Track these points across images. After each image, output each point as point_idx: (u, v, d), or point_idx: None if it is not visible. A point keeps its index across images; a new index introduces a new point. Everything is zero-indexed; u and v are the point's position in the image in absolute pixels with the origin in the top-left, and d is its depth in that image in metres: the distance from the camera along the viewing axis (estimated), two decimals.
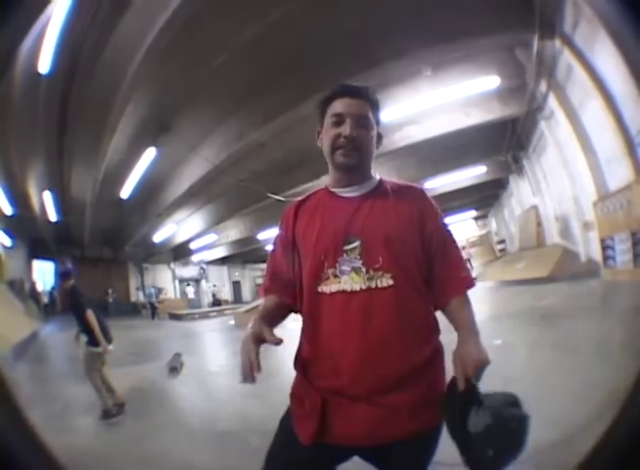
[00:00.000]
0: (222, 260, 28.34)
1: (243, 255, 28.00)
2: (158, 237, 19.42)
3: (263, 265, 24.32)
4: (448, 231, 1.48)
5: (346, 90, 1.43)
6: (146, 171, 12.18)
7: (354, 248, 1.31)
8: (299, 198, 1.58)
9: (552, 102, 9.46)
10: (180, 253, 23.61)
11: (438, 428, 1.29)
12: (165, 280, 24.79)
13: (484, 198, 24.41)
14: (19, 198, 12.49)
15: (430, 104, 10.57)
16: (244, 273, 32.65)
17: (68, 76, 8.08)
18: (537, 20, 7.56)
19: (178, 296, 25.14)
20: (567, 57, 7.83)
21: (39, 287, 18.49)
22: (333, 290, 1.31)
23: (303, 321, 1.42)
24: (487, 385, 1.19)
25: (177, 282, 25.76)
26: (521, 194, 18.32)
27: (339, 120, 1.39)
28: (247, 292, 31.93)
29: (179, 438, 4.01)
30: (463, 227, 33.19)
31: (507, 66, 9.83)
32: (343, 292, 1.29)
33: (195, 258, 25.37)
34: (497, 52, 9.56)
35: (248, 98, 9.79)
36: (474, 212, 29.58)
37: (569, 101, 8.95)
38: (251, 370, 1.22)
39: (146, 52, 7.19)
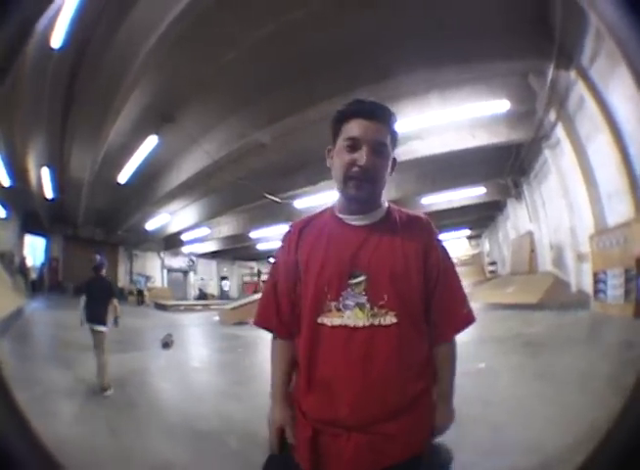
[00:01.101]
0: (212, 255, 28.23)
1: (233, 251, 28.08)
2: (150, 225, 19.25)
3: (252, 263, 24.85)
4: (450, 265, 1.46)
5: (364, 110, 1.35)
6: (145, 159, 12.17)
7: (360, 283, 1.30)
8: (304, 217, 1.55)
9: (560, 131, 9.44)
10: (171, 242, 23.50)
11: (428, 453, 1.32)
12: (154, 268, 24.67)
13: (480, 218, 24.47)
14: (17, 171, 12.39)
15: (437, 121, 10.60)
16: (232, 269, 32.59)
17: (80, 54, 8.03)
18: (555, 49, 7.58)
19: (165, 285, 25.01)
20: (580, 89, 7.83)
21: (29, 262, 18.33)
22: (335, 323, 1.30)
23: (300, 350, 1.39)
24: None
25: (165, 271, 25.63)
26: (517, 218, 18.32)
27: (354, 145, 1.32)
28: (234, 288, 31.83)
29: (158, 434, 3.99)
30: (455, 245, 33.34)
31: (518, 91, 9.82)
32: (346, 327, 1.28)
33: (185, 249, 25.25)
34: (510, 77, 9.56)
35: (253, 97, 9.78)
36: (468, 232, 29.70)
37: (577, 132, 8.95)
38: None
39: (158, 39, 7.16)
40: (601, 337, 6.69)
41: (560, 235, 12.37)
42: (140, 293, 20.59)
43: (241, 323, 13.00)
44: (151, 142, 11.26)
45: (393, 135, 1.41)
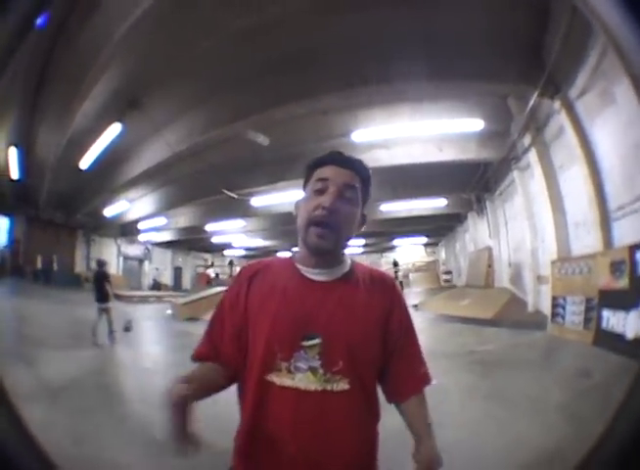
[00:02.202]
0: (167, 244, 27.97)
1: (188, 242, 28.00)
2: (109, 211, 18.85)
3: (207, 255, 26.09)
4: (411, 326, 1.42)
5: (338, 158, 1.33)
6: (108, 146, 11.91)
7: (314, 345, 1.22)
8: (260, 261, 1.46)
9: (532, 156, 9.53)
10: (128, 230, 23.03)
11: None
12: (110, 255, 23.81)
13: (438, 228, 24.92)
14: None
15: (405, 133, 10.70)
16: (186, 260, 32.55)
17: (58, 33, 7.68)
18: (543, 78, 7.66)
19: (121, 273, 24.37)
20: (562, 119, 7.88)
21: None
22: (285, 384, 1.21)
23: (243, 403, 1.30)
24: None
25: (121, 259, 25.08)
26: (477, 232, 18.71)
27: (322, 188, 1.27)
28: (187, 278, 31.85)
29: (117, 443, 3.83)
30: (411, 251, 33.88)
31: (494, 111, 9.98)
32: (296, 389, 1.20)
33: (142, 237, 24.83)
34: (488, 97, 9.69)
35: (222, 91, 9.62)
36: (424, 239, 30.18)
37: (550, 159, 9.10)
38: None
39: (135, 21, 6.91)
40: (558, 362, 6.65)
41: (520, 255, 12.66)
42: None
43: (192, 319, 12.99)
44: (114, 129, 11.06)
45: (365, 188, 1.36)
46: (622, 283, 6.10)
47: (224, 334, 1.35)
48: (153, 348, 9.44)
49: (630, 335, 5.58)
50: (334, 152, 1.35)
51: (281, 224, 21.36)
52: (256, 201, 16.06)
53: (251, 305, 1.31)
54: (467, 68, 7.93)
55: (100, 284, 9.10)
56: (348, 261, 1.38)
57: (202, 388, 1.23)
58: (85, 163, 13.09)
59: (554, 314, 8.39)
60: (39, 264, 19.39)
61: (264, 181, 13.78)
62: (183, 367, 1.18)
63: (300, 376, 1.20)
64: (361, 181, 1.33)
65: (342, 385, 1.21)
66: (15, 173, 14.07)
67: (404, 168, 12.80)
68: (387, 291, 1.37)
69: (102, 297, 9.02)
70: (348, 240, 1.32)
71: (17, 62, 7.92)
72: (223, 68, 8.80)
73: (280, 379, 1.21)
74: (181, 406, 1.08)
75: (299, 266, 1.34)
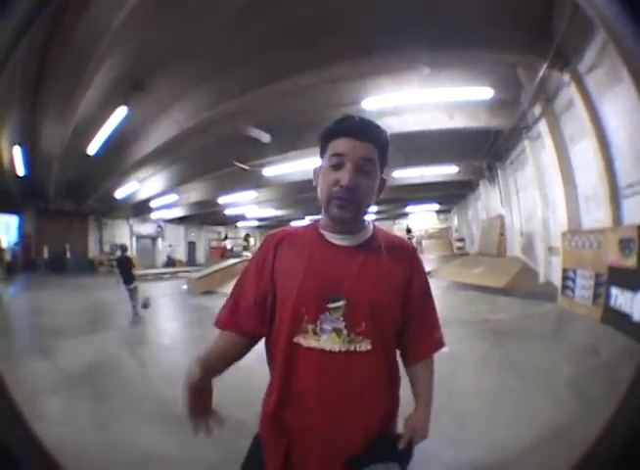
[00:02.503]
0: (180, 220, 28.11)
1: (201, 216, 28.10)
2: (120, 193, 18.94)
3: (220, 228, 25.01)
4: (429, 291, 1.46)
5: (352, 128, 1.28)
6: (115, 129, 11.82)
7: (339, 307, 1.26)
8: (284, 229, 1.49)
9: (542, 126, 9.37)
10: (140, 209, 23.15)
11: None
12: (123, 236, 24.22)
13: (450, 195, 24.71)
14: None
15: (415, 100, 10.49)
16: (200, 234, 32.75)
17: (53, 27, 7.53)
18: (552, 50, 7.44)
19: (134, 253, 24.25)
20: (571, 92, 7.70)
21: (3, 243, 17.86)
22: (310, 345, 1.26)
23: (273, 364, 1.36)
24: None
25: (134, 239, 25.26)
26: (489, 200, 18.56)
27: (339, 163, 1.25)
28: (201, 253, 32.10)
29: (140, 423, 3.90)
30: (424, 218, 33.74)
31: (504, 80, 9.75)
32: (322, 350, 1.26)
33: (154, 215, 24.94)
34: (497, 66, 9.43)
35: (227, 66, 9.42)
36: (437, 206, 29.98)
37: (560, 131, 8.93)
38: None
39: (133, 7, 6.71)
40: (567, 336, 6.69)
41: (531, 224, 12.59)
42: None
43: (208, 292, 13.22)
44: (120, 113, 10.94)
45: (383, 155, 1.33)
46: (631, 262, 6.06)
47: (246, 302, 1.40)
48: (170, 324, 9.73)
49: (637, 317, 5.56)
50: (348, 119, 1.31)
51: (294, 193, 21.25)
52: (268, 171, 16.04)
53: (279, 271, 1.36)
54: (475, 37, 7.72)
55: (124, 268, 9.76)
56: (371, 227, 1.42)
57: (220, 363, 1.36)
58: (93, 148, 13.06)
59: (564, 287, 8.38)
60: (51, 255, 19.73)
61: (275, 151, 13.66)
62: (202, 342, 1.20)
63: (325, 337, 1.25)
64: (379, 151, 1.30)
65: (365, 345, 1.26)
66: (20, 170, 14.16)
67: (416, 135, 12.58)
68: (407, 256, 1.40)
69: (128, 278, 9.70)
70: (369, 207, 1.34)
71: (15, 59, 7.92)
72: (227, 44, 8.57)
73: (306, 341, 1.27)
74: (196, 388, 1.25)
75: (324, 232, 1.38)
